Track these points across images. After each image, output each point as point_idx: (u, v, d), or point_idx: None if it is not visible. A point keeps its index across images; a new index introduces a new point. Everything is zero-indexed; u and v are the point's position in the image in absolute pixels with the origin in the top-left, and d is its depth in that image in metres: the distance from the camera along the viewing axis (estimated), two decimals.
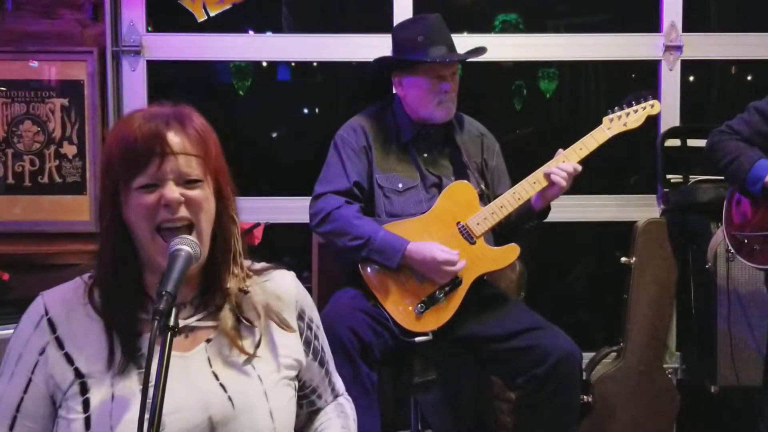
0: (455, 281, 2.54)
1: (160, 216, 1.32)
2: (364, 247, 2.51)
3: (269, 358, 1.44)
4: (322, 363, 1.57)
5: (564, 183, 2.53)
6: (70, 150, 3.35)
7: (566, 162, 2.56)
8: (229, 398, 1.35)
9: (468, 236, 2.59)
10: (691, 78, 3.62)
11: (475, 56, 2.75)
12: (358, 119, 2.77)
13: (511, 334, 2.51)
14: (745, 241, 2.65)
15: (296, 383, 1.50)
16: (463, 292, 2.56)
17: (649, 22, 3.48)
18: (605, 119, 2.67)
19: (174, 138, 1.34)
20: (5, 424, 1.35)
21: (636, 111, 2.68)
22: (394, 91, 2.81)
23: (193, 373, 1.36)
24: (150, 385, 1.16)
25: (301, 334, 1.52)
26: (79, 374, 1.33)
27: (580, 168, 2.56)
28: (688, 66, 3.49)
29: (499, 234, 2.72)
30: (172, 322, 1.15)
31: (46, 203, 3.35)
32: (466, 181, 2.67)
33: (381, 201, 2.66)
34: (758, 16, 3.56)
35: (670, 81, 3.45)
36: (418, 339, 2.54)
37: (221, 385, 1.36)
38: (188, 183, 1.35)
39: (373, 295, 2.54)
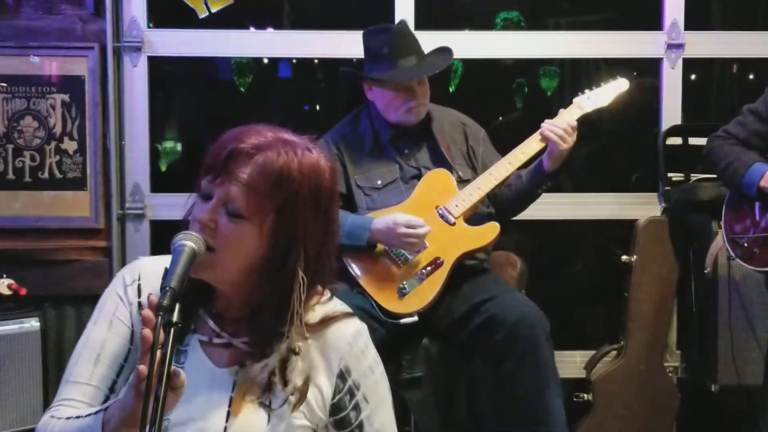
0: (437, 261, 2.55)
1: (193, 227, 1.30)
2: None
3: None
4: None
5: (555, 136, 2.58)
6: (70, 146, 3.34)
7: (556, 118, 2.65)
8: (225, 428, 1.34)
9: (447, 218, 2.63)
10: (693, 76, 3.61)
11: (439, 69, 2.74)
12: (329, 132, 2.85)
13: (472, 308, 2.52)
14: (745, 244, 2.66)
15: None
16: (445, 272, 2.57)
17: (651, 19, 3.47)
18: (576, 100, 2.76)
19: (242, 165, 1.29)
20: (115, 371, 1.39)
21: (605, 90, 2.78)
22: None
23: (214, 389, 1.36)
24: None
25: (334, 395, 1.41)
26: None
27: (575, 123, 2.63)
28: (689, 64, 3.48)
29: (514, 199, 2.76)
30: (175, 318, 1.14)
31: (46, 199, 3.35)
32: (442, 169, 2.72)
33: (362, 199, 2.72)
34: (760, 14, 3.56)
35: (672, 79, 3.44)
36: (403, 321, 2.53)
37: (228, 412, 1.34)
38: (230, 214, 1.29)
39: (357, 282, 2.56)
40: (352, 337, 1.43)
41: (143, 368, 1.13)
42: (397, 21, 3.31)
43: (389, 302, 2.54)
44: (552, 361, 2.49)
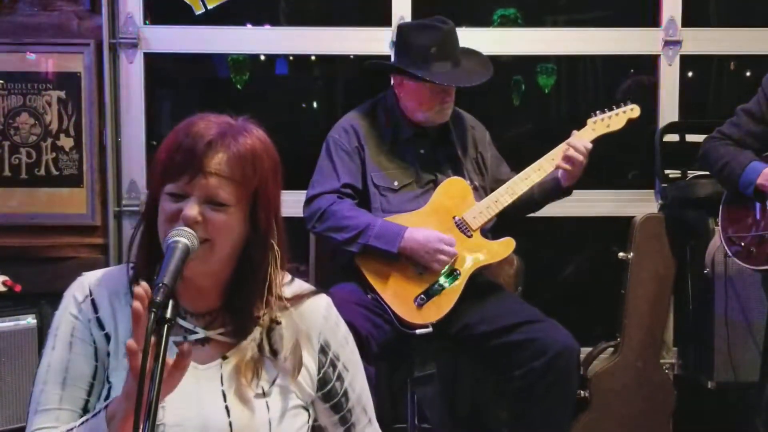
0: (454, 273, 2.56)
1: (177, 226, 1.29)
2: (363, 235, 2.52)
3: (281, 384, 1.40)
4: (336, 409, 1.48)
5: (573, 166, 2.66)
6: (66, 142, 3.34)
7: (577, 141, 2.67)
8: (230, 423, 1.33)
9: (465, 229, 2.63)
10: (690, 73, 3.61)
11: (483, 80, 2.76)
12: (349, 119, 2.78)
13: (509, 327, 2.53)
14: (742, 243, 2.66)
15: (312, 410, 1.46)
16: (462, 283, 2.57)
17: (649, 16, 3.47)
18: (589, 121, 2.77)
19: (214, 157, 1.30)
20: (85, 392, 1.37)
21: (617, 114, 2.80)
22: (386, 88, 2.81)
23: (203, 386, 1.35)
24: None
25: (318, 370, 1.45)
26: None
27: (590, 146, 2.68)
28: (687, 61, 3.48)
29: (520, 207, 2.76)
30: (169, 314, 1.14)
31: (42, 196, 3.35)
32: (459, 177, 2.71)
33: (377, 199, 2.68)
34: (757, 11, 3.56)
35: (669, 76, 3.44)
36: (419, 331, 2.54)
37: (226, 407, 1.34)
38: (215, 205, 1.31)
39: (373, 288, 2.54)
40: (325, 310, 1.48)
41: (131, 342, 1.12)
42: (394, 17, 3.32)
43: (406, 312, 2.53)
44: (577, 389, 2.59)
